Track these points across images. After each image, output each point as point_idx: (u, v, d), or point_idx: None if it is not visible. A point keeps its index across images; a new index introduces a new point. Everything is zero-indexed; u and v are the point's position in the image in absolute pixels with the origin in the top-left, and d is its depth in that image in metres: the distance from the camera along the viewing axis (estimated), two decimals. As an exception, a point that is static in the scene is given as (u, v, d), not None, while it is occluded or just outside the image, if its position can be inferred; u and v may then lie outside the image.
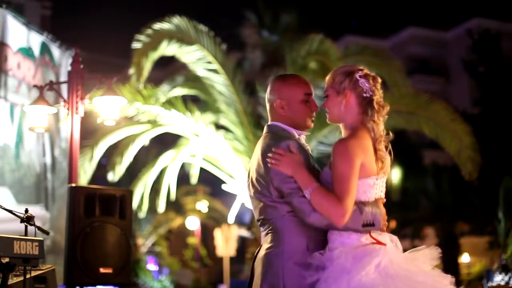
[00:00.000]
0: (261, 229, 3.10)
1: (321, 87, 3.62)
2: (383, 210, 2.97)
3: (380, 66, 10.72)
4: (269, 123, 3.20)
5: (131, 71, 9.83)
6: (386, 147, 3.01)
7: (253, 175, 3.09)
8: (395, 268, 2.81)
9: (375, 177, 2.95)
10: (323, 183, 2.93)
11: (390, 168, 3.05)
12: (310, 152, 3.17)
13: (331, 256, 2.87)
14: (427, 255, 2.96)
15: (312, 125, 3.19)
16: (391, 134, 3.04)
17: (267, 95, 3.22)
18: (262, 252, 3.04)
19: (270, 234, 3.02)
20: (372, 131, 2.96)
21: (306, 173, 2.91)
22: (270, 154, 2.96)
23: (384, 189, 3.02)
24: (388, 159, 3.01)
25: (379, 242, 2.90)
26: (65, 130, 7.32)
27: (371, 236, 2.91)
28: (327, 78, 3.10)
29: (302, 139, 3.17)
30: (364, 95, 2.99)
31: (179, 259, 22.54)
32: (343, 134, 3.06)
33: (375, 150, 2.96)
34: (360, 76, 3.00)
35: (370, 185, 2.94)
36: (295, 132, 3.13)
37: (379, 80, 3.08)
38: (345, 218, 2.82)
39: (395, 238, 2.99)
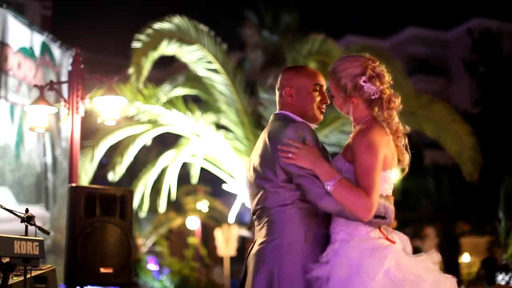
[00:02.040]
0: (256, 223, 2.98)
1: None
2: (393, 207, 2.88)
3: (380, 66, 10.69)
4: (276, 112, 3.12)
5: (131, 70, 9.82)
6: (404, 144, 2.94)
7: (256, 161, 2.97)
8: (403, 271, 2.69)
9: (390, 170, 2.87)
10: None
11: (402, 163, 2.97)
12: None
13: (336, 249, 2.76)
14: (429, 259, 2.86)
15: (322, 117, 3.09)
16: (407, 127, 2.96)
17: (277, 85, 3.14)
18: (256, 247, 2.92)
19: (265, 227, 2.90)
20: (387, 127, 2.88)
21: (326, 164, 2.78)
22: (281, 147, 2.84)
23: (392, 186, 2.94)
24: (406, 155, 2.94)
25: (388, 239, 2.79)
26: (66, 130, 7.32)
27: (381, 231, 2.80)
28: (330, 72, 3.00)
29: None
30: (372, 97, 2.91)
31: (179, 258, 22.53)
32: (354, 126, 2.98)
33: (396, 144, 2.89)
34: (364, 82, 2.89)
35: (385, 179, 2.85)
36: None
37: (386, 74, 2.96)
38: (372, 212, 2.70)
39: (405, 237, 2.90)
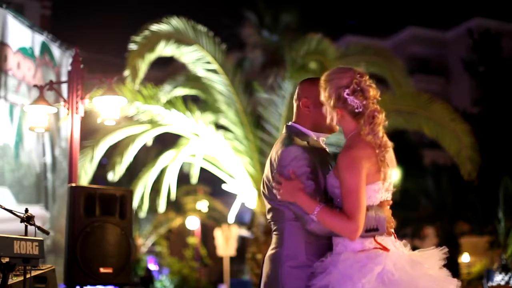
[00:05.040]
0: (272, 229, 3.15)
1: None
2: (388, 213, 2.93)
3: (381, 65, 10.69)
4: (289, 123, 3.19)
5: (126, 72, 9.78)
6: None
7: (264, 178, 3.13)
8: (398, 273, 2.77)
9: (380, 182, 2.90)
10: (329, 186, 2.93)
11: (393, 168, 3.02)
12: (327, 151, 3.17)
13: (334, 260, 2.85)
14: (433, 257, 2.93)
15: (338, 128, 3.13)
16: (390, 143, 2.96)
17: (294, 97, 3.20)
18: (267, 253, 3.10)
19: (275, 236, 3.07)
20: (372, 141, 2.90)
21: (306, 198, 2.87)
22: (273, 182, 2.98)
23: (390, 190, 2.97)
24: (392, 167, 2.96)
25: (383, 247, 2.86)
26: (65, 129, 7.32)
27: (376, 241, 2.87)
28: (322, 80, 3.00)
29: (321, 141, 3.16)
30: (356, 111, 2.92)
31: (179, 258, 22.54)
32: (345, 140, 3.02)
33: (380, 158, 2.89)
34: (348, 94, 2.90)
35: (375, 191, 2.90)
36: (313, 134, 3.11)
37: (371, 89, 2.96)
38: (358, 233, 2.79)
39: (398, 243, 2.95)
